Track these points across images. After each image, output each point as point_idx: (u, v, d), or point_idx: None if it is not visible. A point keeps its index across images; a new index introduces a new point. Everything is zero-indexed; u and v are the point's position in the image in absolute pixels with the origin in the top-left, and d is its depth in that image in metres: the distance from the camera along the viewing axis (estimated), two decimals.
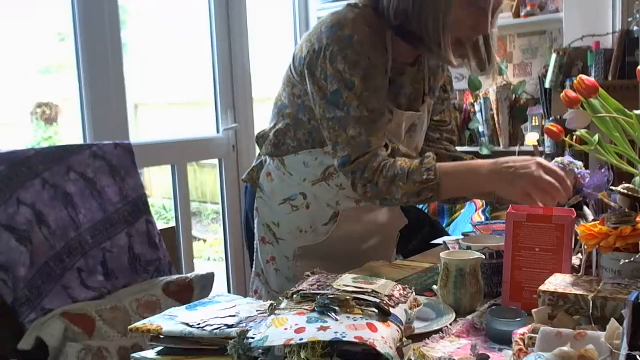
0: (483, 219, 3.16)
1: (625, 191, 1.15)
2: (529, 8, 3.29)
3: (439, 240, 1.77)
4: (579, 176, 1.37)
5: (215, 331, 0.98)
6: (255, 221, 1.63)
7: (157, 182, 4.24)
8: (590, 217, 1.36)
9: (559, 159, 1.40)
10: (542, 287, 1.03)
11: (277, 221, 1.57)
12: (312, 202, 1.53)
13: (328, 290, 0.94)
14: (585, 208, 1.39)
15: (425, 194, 1.36)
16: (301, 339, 0.81)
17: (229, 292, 3.11)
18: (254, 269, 1.68)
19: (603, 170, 1.36)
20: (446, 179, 1.36)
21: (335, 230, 1.53)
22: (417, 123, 1.55)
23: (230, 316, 1.02)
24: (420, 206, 3.64)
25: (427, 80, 1.56)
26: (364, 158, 1.38)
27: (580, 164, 1.40)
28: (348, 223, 1.54)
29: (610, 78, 2.89)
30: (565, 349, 0.79)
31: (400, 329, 0.90)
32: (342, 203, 1.53)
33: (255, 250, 1.65)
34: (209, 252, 4.52)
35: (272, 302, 0.98)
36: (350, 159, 1.39)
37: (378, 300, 0.91)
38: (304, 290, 0.95)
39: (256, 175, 1.62)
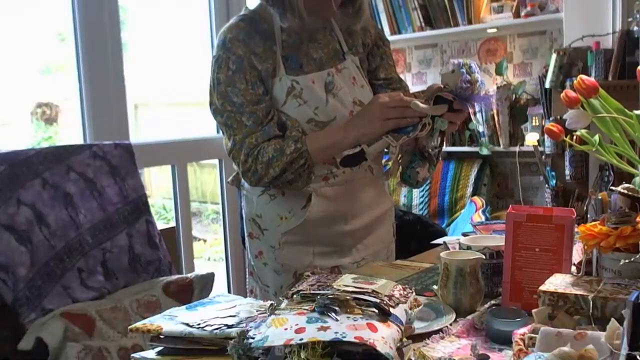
0: (483, 219, 3.16)
1: (625, 191, 1.15)
2: (529, 8, 3.29)
3: (439, 240, 1.77)
4: (476, 83, 1.39)
5: (215, 331, 0.98)
6: (244, 220, 1.66)
7: (157, 182, 4.24)
8: (424, 109, 1.39)
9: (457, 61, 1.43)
10: (542, 287, 1.03)
11: (260, 212, 1.60)
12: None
13: (328, 290, 0.94)
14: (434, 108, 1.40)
15: (297, 161, 1.45)
16: (301, 339, 0.81)
17: (229, 292, 3.11)
18: (247, 269, 1.71)
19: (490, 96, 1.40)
20: (312, 142, 1.46)
21: (313, 211, 1.54)
22: (335, 80, 1.54)
23: (230, 316, 1.03)
24: (420, 206, 3.65)
25: (342, 41, 1.58)
26: (232, 155, 1.50)
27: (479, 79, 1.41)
28: (324, 202, 1.55)
29: (610, 78, 2.89)
30: (565, 349, 0.79)
31: (400, 329, 0.90)
32: (311, 183, 1.54)
33: (246, 248, 1.67)
34: (209, 252, 4.52)
35: (272, 302, 0.98)
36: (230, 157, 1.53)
37: (378, 300, 0.91)
38: (304, 290, 0.95)
39: (240, 176, 1.65)
